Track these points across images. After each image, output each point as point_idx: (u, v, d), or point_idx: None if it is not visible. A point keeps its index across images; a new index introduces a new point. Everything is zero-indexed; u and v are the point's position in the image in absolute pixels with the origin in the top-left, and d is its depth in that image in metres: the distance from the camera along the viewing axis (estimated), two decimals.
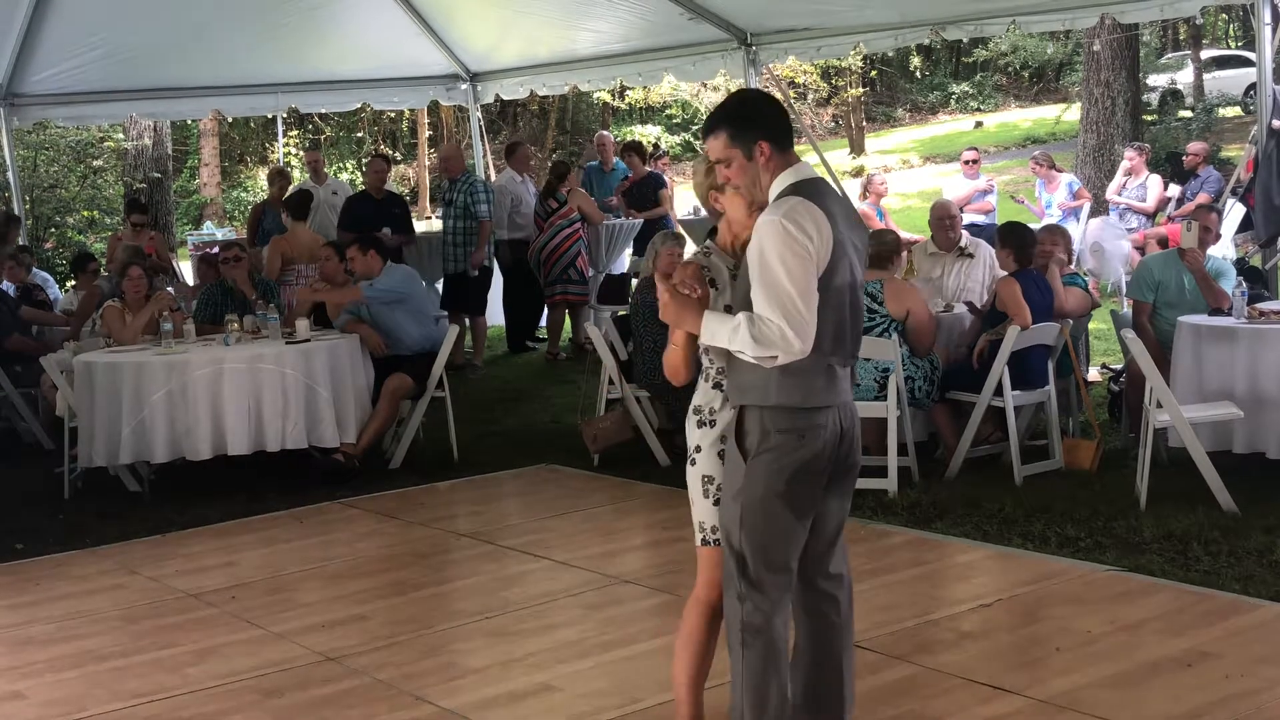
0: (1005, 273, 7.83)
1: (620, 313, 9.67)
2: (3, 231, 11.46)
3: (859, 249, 3.84)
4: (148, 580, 6.58)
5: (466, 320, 12.19)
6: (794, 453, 3.69)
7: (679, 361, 3.96)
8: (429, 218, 25.22)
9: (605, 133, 15.59)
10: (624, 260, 13.86)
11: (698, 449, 3.97)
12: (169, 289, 11.16)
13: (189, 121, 27.59)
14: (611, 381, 8.58)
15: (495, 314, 13.85)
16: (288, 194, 12.43)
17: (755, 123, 3.80)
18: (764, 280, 3.61)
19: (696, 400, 4.00)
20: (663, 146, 27.33)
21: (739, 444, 3.75)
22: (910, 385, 7.62)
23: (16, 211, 14.28)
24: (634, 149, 14.15)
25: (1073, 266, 8.92)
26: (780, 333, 3.58)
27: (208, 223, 24.48)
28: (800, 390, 3.69)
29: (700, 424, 3.97)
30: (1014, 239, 7.87)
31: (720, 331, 3.70)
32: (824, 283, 3.65)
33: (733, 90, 26.70)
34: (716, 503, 3.89)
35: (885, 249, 7.85)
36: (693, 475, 3.99)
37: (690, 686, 4.09)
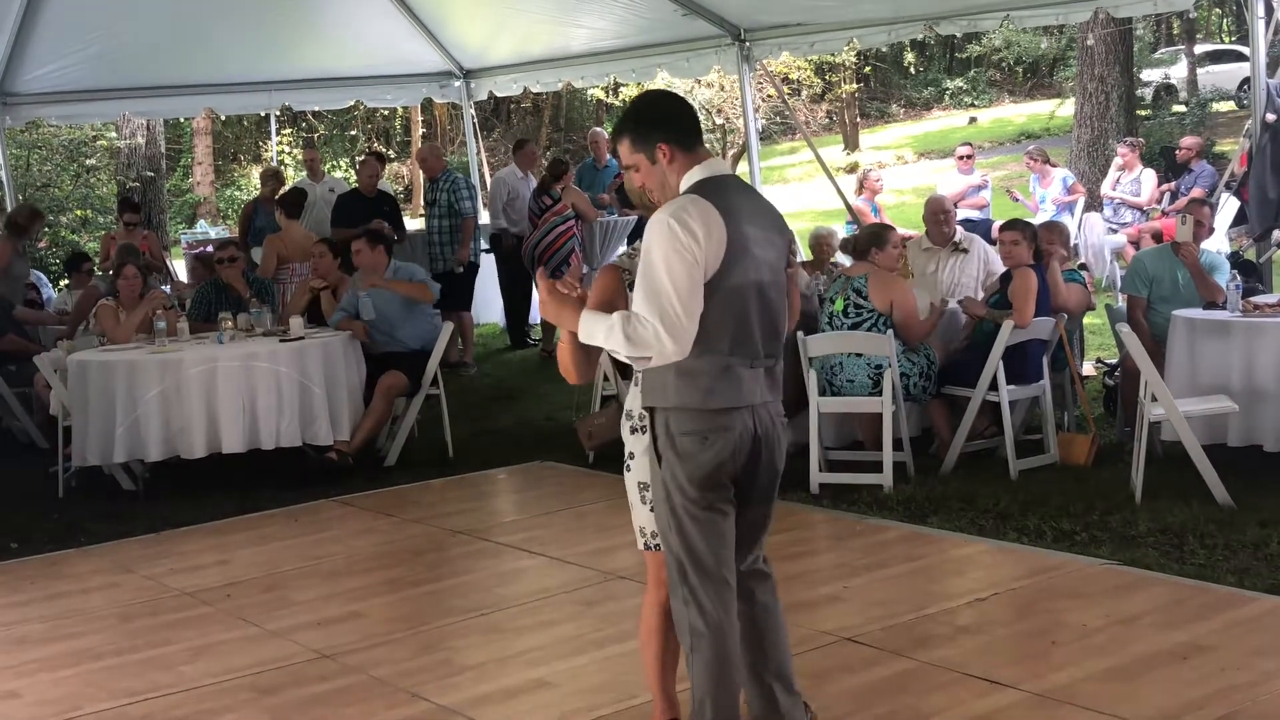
0: (1012, 265, 7.78)
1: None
2: (25, 225, 11.41)
3: (775, 247, 3.80)
4: (143, 579, 6.57)
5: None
6: (699, 455, 3.67)
7: (568, 360, 3.96)
8: (421, 215, 25.22)
9: (599, 130, 15.57)
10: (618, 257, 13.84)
11: (631, 455, 4.00)
12: (163, 288, 11.16)
13: (182, 120, 27.53)
14: (606, 378, 8.57)
15: (486, 311, 13.86)
16: (281, 193, 12.41)
17: (654, 125, 3.81)
18: (644, 278, 3.61)
19: (628, 405, 4.01)
20: None
21: (654, 447, 3.75)
22: (905, 381, 7.61)
23: (8, 210, 14.26)
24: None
25: (1070, 262, 8.91)
26: (654, 332, 3.57)
27: (201, 221, 24.43)
28: (698, 391, 3.66)
29: (633, 430, 3.99)
30: (1029, 231, 7.89)
31: (596, 330, 3.69)
32: (716, 283, 3.63)
33: (725, 86, 26.62)
34: (653, 508, 3.89)
35: (862, 242, 7.87)
36: (629, 481, 4.02)
37: (660, 681, 4.13)
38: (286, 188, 13.79)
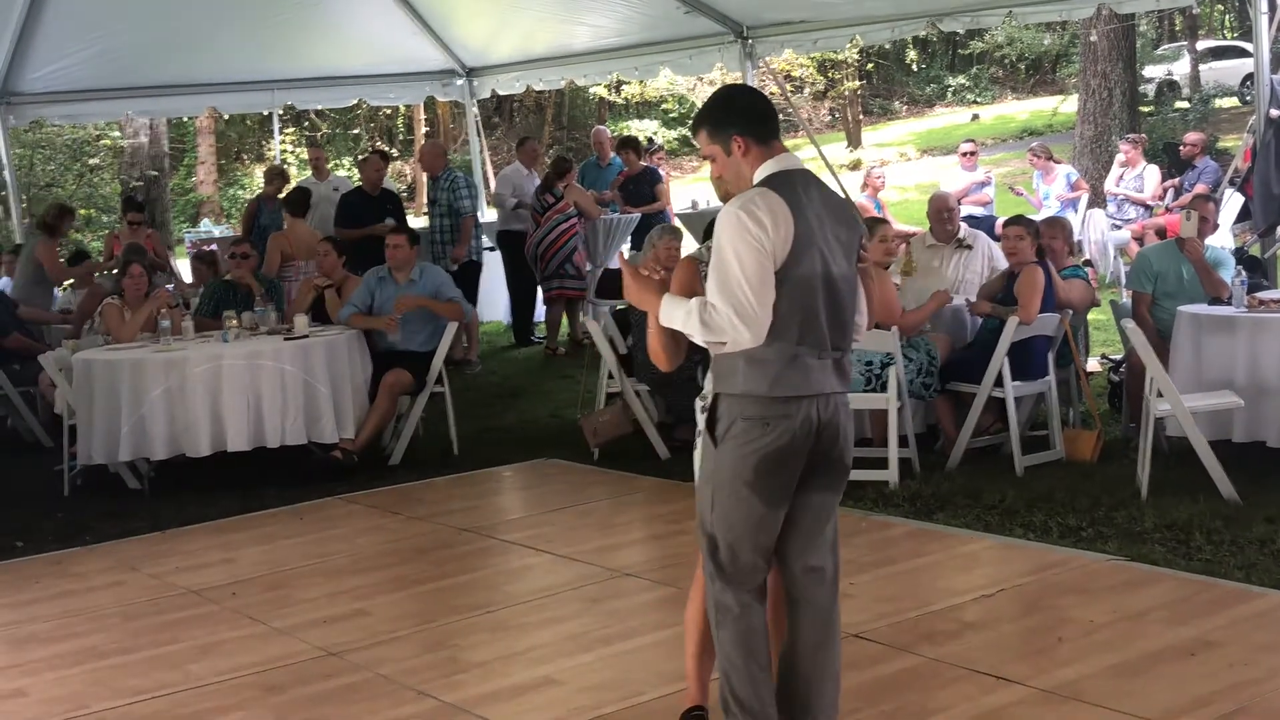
0: (1016, 261, 7.77)
1: (619, 307, 9.66)
2: (54, 224, 11.42)
3: (843, 242, 3.84)
4: (148, 577, 6.58)
5: None
6: (758, 440, 3.74)
7: (657, 345, 4.01)
8: (424, 213, 25.20)
9: (601, 128, 15.59)
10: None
11: (699, 434, 4.01)
12: (168, 286, 11.17)
13: (185, 119, 27.54)
14: (611, 375, 8.57)
15: (491, 309, 13.85)
16: (286, 192, 12.41)
17: (730, 118, 3.88)
18: (717, 268, 3.71)
19: (705, 388, 4.04)
20: (657, 141, 27.31)
21: (710, 430, 3.82)
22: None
23: (13, 211, 14.28)
24: (629, 145, 14.15)
25: (1073, 258, 8.90)
26: (728, 320, 3.68)
27: (205, 220, 24.46)
28: (765, 379, 3.73)
29: (703, 409, 4.00)
30: (1033, 228, 7.88)
31: (676, 314, 3.80)
32: (784, 274, 3.70)
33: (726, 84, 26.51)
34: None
35: None
36: (696, 459, 4.04)
37: (696, 663, 4.16)
38: (291, 186, 13.80)
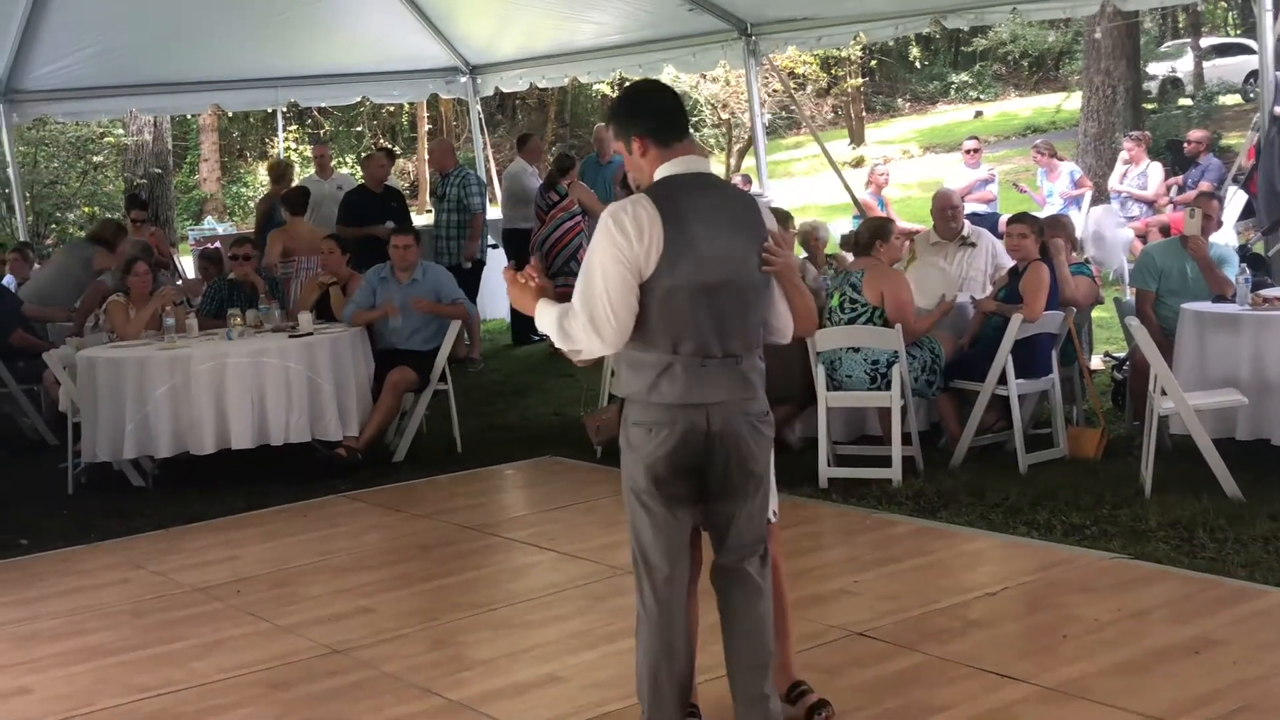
0: (1020, 259, 7.77)
1: None
2: (112, 240, 11.30)
3: (735, 249, 3.78)
4: (153, 575, 6.59)
5: None
6: (645, 447, 3.76)
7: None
8: (428, 211, 25.17)
9: (603, 125, 15.58)
10: None
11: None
12: (175, 283, 11.18)
13: (189, 116, 27.56)
14: (613, 374, 8.54)
15: (494, 307, 13.86)
16: (285, 190, 12.41)
17: (631, 118, 3.87)
18: (582, 274, 3.75)
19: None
20: None
21: (623, 435, 3.87)
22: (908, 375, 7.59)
23: (16, 208, 14.30)
24: None
25: (1076, 255, 8.90)
26: (583, 327, 3.72)
27: (208, 218, 24.49)
28: (640, 383, 3.77)
29: None
30: (1038, 225, 7.88)
31: (547, 320, 3.86)
32: (653, 283, 3.69)
33: (731, 81, 26.61)
34: None
35: (864, 236, 7.87)
36: None
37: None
38: (294, 184, 13.80)
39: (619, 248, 3.68)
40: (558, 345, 3.84)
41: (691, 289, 3.70)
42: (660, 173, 3.81)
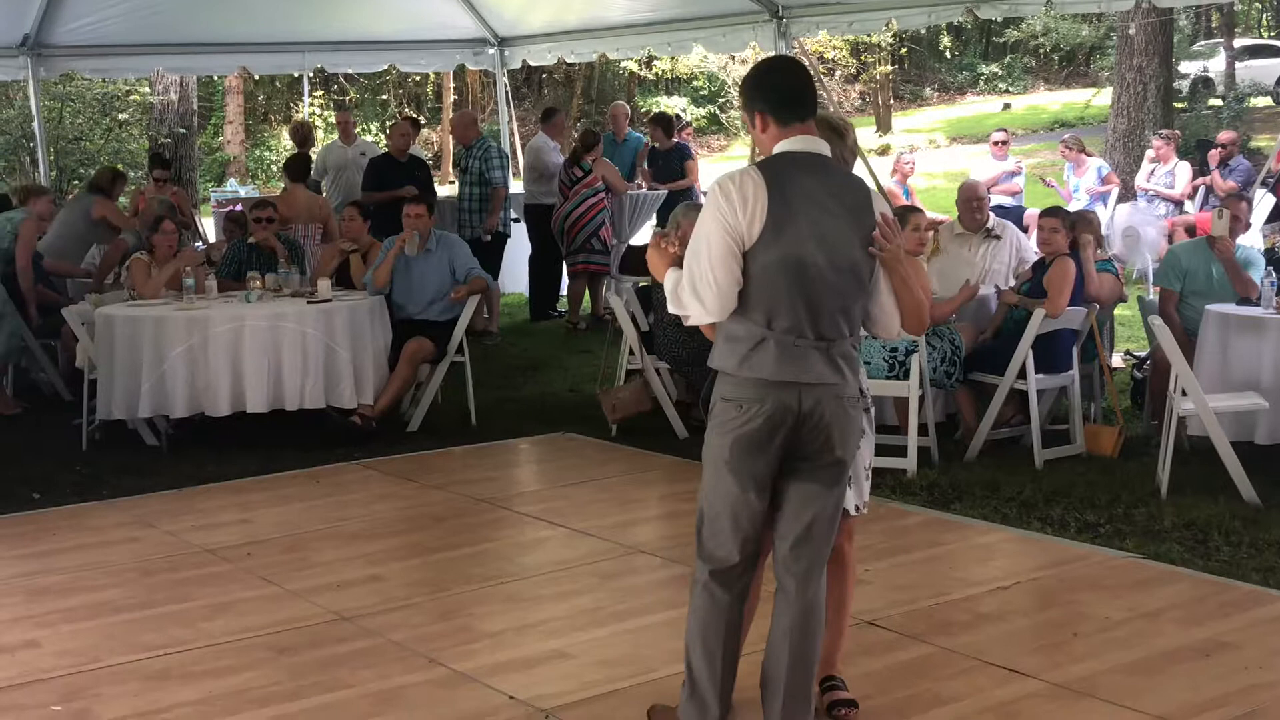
0: (1049, 253, 7.72)
1: (642, 284, 9.63)
2: (108, 187, 11.38)
3: (840, 232, 3.76)
4: (163, 534, 6.59)
5: None
6: (732, 420, 3.77)
7: None
8: (451, 182, 25.14)
9: (620, 103, 15.55)
10: (647, 231, 13.81)
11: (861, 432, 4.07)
12: (196, 245, 11.17)
13: (215, 78, 27.54)
14: (632, 352, 8.54)
15: (513, 281, 13.83)
16: (287, 158, 12.40)
17: (758, 92, 3.90)
18: (693, 240, 3.77)
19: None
20: (685, 117, 27.22)
21: (706, 406, 3.90)
22: (927, 366, 7.55)
23: (40, 162, 14.30)
24: (660, 122, 14.03)
25: (1102, 252, 8.84)
26: (689, 291, 3.76)
27: (231, 180, 24.48)
28: (734, 357, 3.77)
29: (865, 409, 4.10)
30: (1068, 219, 7.83)
31: (668, 285, 3.87)
32: (753, 254, 3.71)
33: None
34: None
35: None
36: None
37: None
38: (315, 149, 13.80)
39: (723, 214, 3.70)
40: (671, 310, 3.87)
41: (790, 264, 3.71)
42: (777, 149, 3.82)
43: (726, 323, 3.77)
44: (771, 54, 11.10)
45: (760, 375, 3.73)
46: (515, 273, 13.71)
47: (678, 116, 22.54)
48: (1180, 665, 4.71)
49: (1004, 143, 14.57)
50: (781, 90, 3.87)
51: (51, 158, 16.81)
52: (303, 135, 13.94)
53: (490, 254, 12.11)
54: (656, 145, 13.73)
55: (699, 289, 3.72)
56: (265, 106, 34.31)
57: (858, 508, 4.24)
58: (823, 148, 3.87)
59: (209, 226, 14.96)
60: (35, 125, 13.71)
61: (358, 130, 16.38)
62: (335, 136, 14.58)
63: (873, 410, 4.21)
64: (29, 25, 12.30)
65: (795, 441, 3.76)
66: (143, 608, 5.55)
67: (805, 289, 3.71)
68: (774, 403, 3.72)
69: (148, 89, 21.86)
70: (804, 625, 3.88)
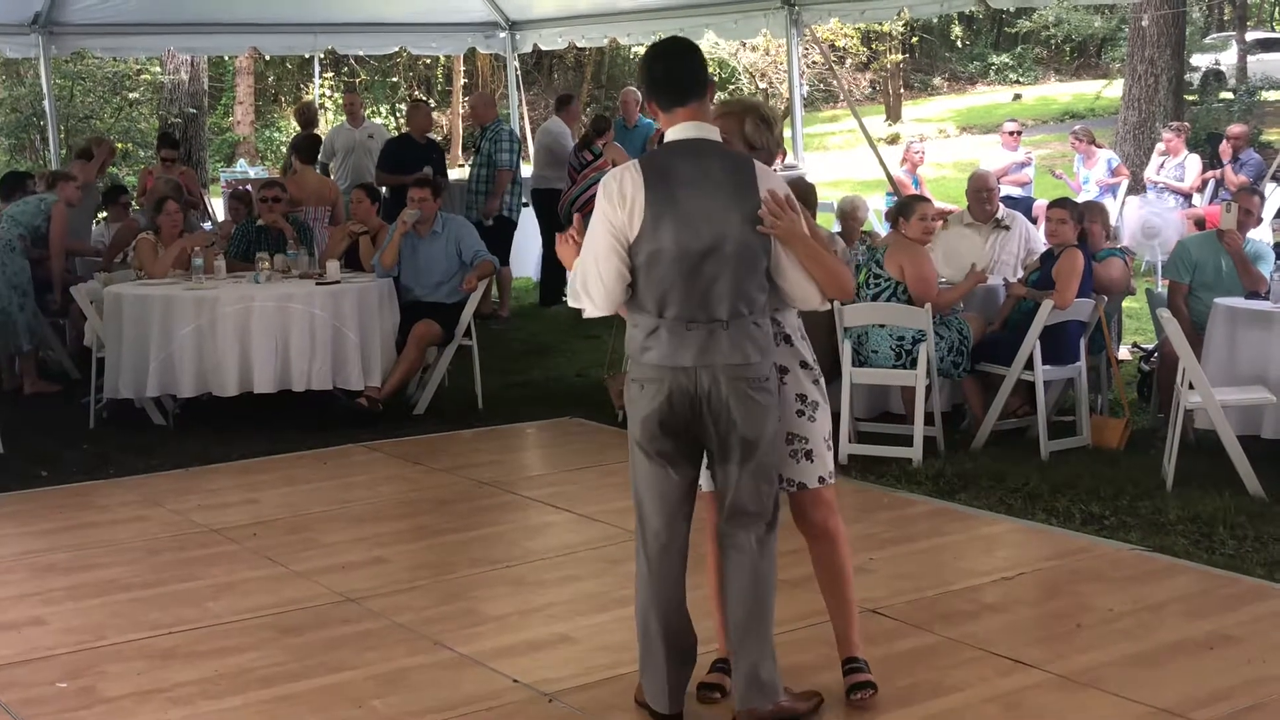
0: (1057, 243, 7.71)
1: None
2: (86, 148, 11.44)
3: (728, 214, 3.80)
4: (170, 513, 6.61)
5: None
6: (638, 402, 3.92)
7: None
8: (460, 165, 25.15)
9: (631, 89, 15.49)
10: None
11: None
12: (204, 225, 11.16)
13: (225, 58, 27.54)
14: None
15: (521, 265, 13.82)
16: (294, 137, 12.39)
17: (643, 81, 4.01)
18: (585, 238, 3.92)
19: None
20: None
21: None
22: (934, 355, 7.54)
23: (51, 140, 14.29)
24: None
25: (1110, 242, 8.83)
26: (580, 287, 3.92)
27: (240, 160, 24.46)
28: (634, 344, 3.92)
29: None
30: (1077, 211, 7.82)
31: (570, 277, 4.00)
32: (637, 247, 3.82)
33: (771, 50, 26.47)
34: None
35: (891, 213, 7.82)
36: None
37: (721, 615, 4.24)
38: (324, 130, 13.78)
39: (605, 213, 3.85)
40: (570, 304, 4.01)
41: (671, 252, 3.80)
42: (667, 136, 3.92)
43: (628, 312, 3.93)
44: (782, 44, 11.08)
45: (655, 361, 3.86)
46: (524, 258, 13.71)
47: None
48: (1183, 658, 4.71)
49: (1016, 133, 14.52)
50: (659, 77, 3.94)
51: (62, 136, 16.79)
52: (308, 117, 13.92)
53: (500, 238, 12.10)
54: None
55: (589, 285, 3.88)
56: (276, 88, 34.30)
57: (822, 479, 4.23)
58: (708, 132, 3.92)
59: (218, 207, 14.96)
60: (46, 103, 13.70)
61: (367, 112, 16.37)
62: (344, 119, 14.58)
63: (821, 380, 4.20)
64: (40, 3, 12.31)
65: (699, 420, 3.87)
66: (148, 586, 5.57)
67: (690, 274, 3.80)
68: (671, 383, 3.84)
69: (158, 68, 21.87)
70: (742, 598, 3.99)
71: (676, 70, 3.93)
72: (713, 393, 3.84)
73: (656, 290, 3.83)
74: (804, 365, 4.18)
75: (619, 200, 3.81)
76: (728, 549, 4.03)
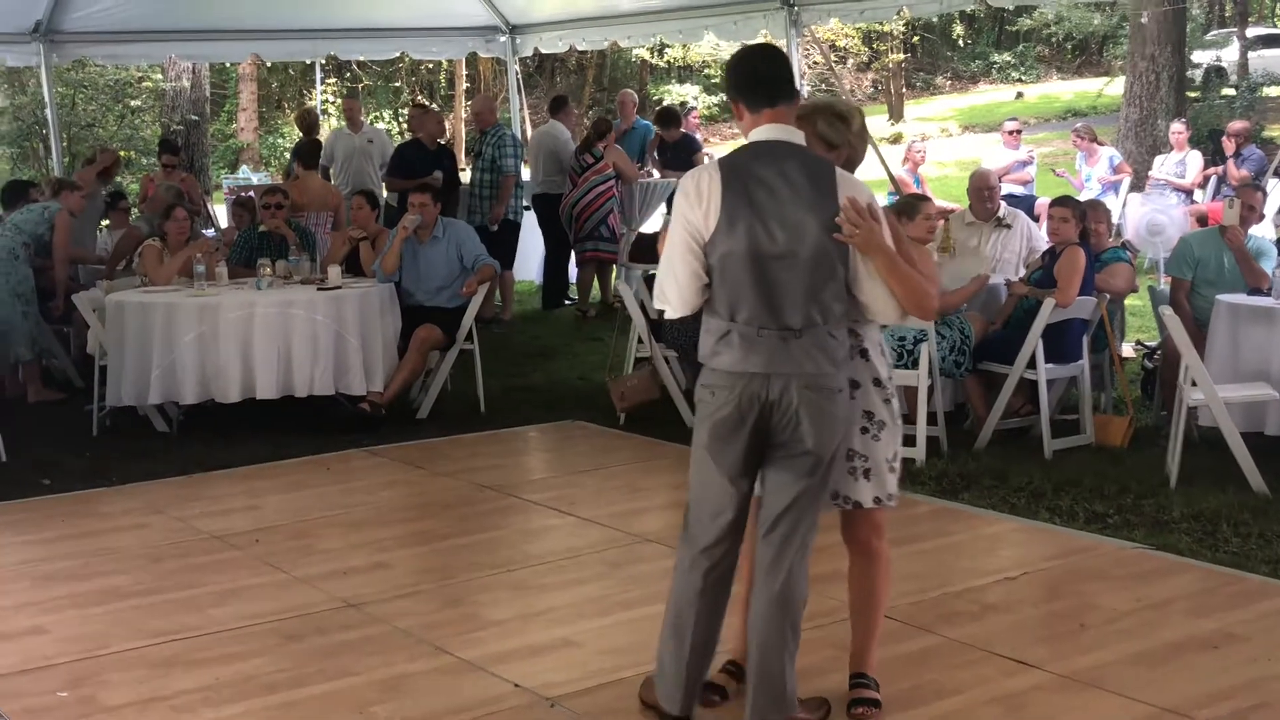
0: (1059, 242, 7.69)
1: (651, 272, 9.61)
2: (91, 158, 11.48)
3: (805, 220, 3.74)
4: (173, 520, 6.61)
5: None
6: (707, 407, 3.86)
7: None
8: (463, 169, 25.11)
9: (628, 91, 15.51)
10: (656, 219, 13.78)
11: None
12: (208, 232, 11.17)
13: (228, 65, 27.56)
14: (640, 340, 8.54)
15: (523, 269, 13.81)
16: (298, 143, 12.38)
17: (731, 82, 3.98)
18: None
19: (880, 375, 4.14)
20: (690, 104, 27.13)
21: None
22: (936, 354, 7.53)
23: (53, 149, 14.31)
24: (667, 120, 13.91)
25: (1112, 240, 8.81)
26: (659, 287, 3.89)
27: (244, 167, 24.49)
28: (707, 349, 3.87)
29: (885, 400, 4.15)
30: (1079, 209, 7.81)
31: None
32: (711, 248, 3.78)
33: None
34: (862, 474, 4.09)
35: (894, 209, 7.79)
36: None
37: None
38: (324, 135, 13.78)
39: (682, 211, 3.80)
40: (654, 305, 3.97)
41: (745, 256, 3.74)
42: (750, 137, 3.87)
43: (704, 316, 3.87)
44: (783, 45, 11.09)
45: (728, 367, 3.80)
46: (528, 261, 13.70)
47: (683, 104, 22.49)
48: (1188, 657, 4.70)
49: (1017, 132, 14.52)
50: (747, 77, 3.91)
51: (64, 144, 16.82)
52: (309, 123, 13.91)
53: (502, 242, 12.09)
54: (665, 138, 13.68)
55: (666, 285, 3.85)
56: (279, 94, 34.33)
57: (878, 499, 4.14)
58: (794, 135, 3.88)
59: (221, 214, 14.97)
60: (48, 111, 13.69)
61: (370, 118, 16.37)
62: (344, 124, 14.58)
63: (894, 401, 4.14)
64: (41, 11, 12.28)
65: (766, 429, 3.81)
66: (150, 594, 5.56)
67: (763, 279, 3.74)
68: (742, 390, 3.78)
69: (160, 76, 21.87)
70: (767, 613, 3.89)
71: (767, 71, 3.89)
72: (782, 400, 3.76)
73: (729, 293, 3.77)
74: (877, 383, 4.10)
75: (696, 199, 3.76)
76: (756, 568, 3.95)
